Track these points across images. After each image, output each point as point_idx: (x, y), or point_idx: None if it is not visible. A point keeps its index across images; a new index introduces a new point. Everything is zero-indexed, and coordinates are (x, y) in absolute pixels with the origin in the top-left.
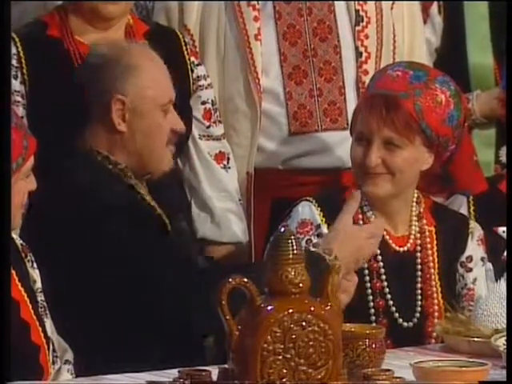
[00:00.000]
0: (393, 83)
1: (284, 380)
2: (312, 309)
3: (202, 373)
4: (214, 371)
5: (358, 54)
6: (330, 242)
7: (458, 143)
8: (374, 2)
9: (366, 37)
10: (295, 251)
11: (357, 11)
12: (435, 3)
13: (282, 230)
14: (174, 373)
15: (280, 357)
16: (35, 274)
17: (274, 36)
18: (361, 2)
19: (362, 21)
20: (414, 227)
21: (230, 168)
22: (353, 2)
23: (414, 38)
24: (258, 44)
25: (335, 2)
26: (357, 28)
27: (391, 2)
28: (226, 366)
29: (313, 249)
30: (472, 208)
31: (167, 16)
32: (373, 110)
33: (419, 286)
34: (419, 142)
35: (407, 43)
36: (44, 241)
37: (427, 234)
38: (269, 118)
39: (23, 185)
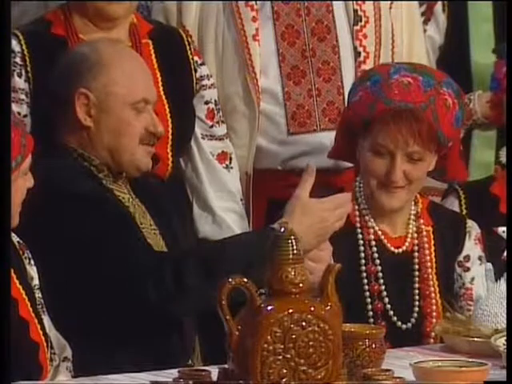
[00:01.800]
0: (409, 93)
1: (284, 380)
2: (312, 309)
3: (201, 373)
4: (214, 371)
5: (357, 54)
6: (287, 216)
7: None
8: (372, 2)
9: (365, 36)
10: (295, 251)
11: (355, 11)
12: (439, 1)
13: (282, 229)
14: (173, 373)
15: (280, 357)
16: (32, 271)
17: (273, 36)
18: (359, 2)
19: (361, 20)
20: (411, 227)
21: (232, 168)
22: (351, 2)
23: (413, 38)
24: (256, 44)
25: (333, 2)
26: (355, 28)
27: (390, 2)
28: (226, 366)
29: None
30: (464, 212)
31: (165, 16)
32: (402, 125)
33: (417, 286)
34: (434, 150)
35: (406, 43)
36: (33, 238)
37: (424, 233)
38: (267, 118)
39: (22, 183)
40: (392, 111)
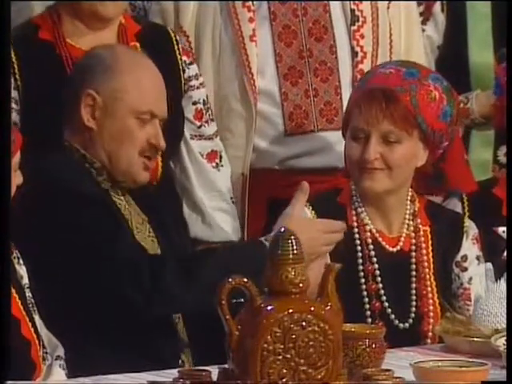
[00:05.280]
0: (387, 79)
1: (284, 380)
2: (312, 309)
3: (201, 373)
4: (214, 371)
5: (354, 54)
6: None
7: (450, 141)
8: (369, 2)
9: (362, 36)
10: (295, 251)
11: (352, 11)
12: (438, 1)
13: (282, 229)
14: (173, 373)
15: (280, 357)
16: (22, 270)
17: (270, 37)
18: (356, 2)
19: (358, 20)
20: (408, 226)
21: (222, 166)
22: (348, 2)
23: (412, 38)
24: (253, 45)
25: (330, 2)
26: (352, 28)
27: (387, 2)
28: (226, 365)
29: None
30: (467, 214)
31: (163, 17)
32: (372, 104)
33: (414, 286)
34: (416, 137)
35: (404, 43)
36: (26, 239)
37: (422, 233)
38: (264, 118)
39: (12, 179)
40: (363, 93)
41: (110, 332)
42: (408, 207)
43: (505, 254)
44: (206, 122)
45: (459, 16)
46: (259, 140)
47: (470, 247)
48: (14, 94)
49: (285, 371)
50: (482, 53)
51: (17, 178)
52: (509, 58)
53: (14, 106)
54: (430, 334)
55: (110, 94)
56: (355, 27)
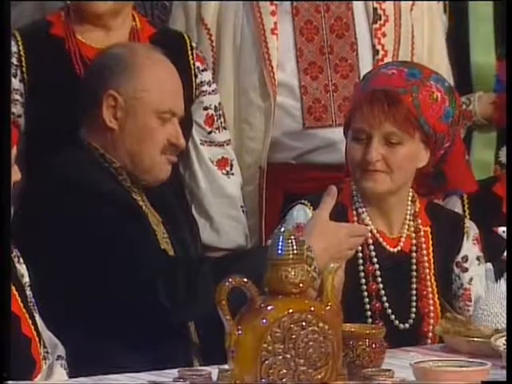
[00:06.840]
0: (390, 80)
1: (284, 380)
2: (312, 309)
3: (201, 373)
4: (214, 371)
5: (375, 52)
6: (306, 235)
7: (452, 141)
8: (392, 2)
9: (384, 35)
10: (295, 251)
11: (375, 9)
12: (441, 2)
13: (282, 229)
14: (173, 373)
15: (280, 357)
16: (22, 268)
17: (291, 31)
18: (379, 1)
19: (380, 19)
20: (409, 227)
21: (233, 174)
22: (371, 1)
23: (434, 40)
24: (274, 38)
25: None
26: (374, 26)
27: (411, 3)
28: (226, 366)
29: None
30: (467, 212)
31: (185, 10)
32: (374, 106)
33: (414, 286)
34: (418, 138)
35: (427, 46)
36: (37, 238)
37: (422, 233)
38: (283, 111)
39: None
40: (366, 94)
41: (127, 332)
42: (409, 208)
43: (505, 254)
44: (217, 128)
45: (462, 17)
46: (277, 132)
47: (470, 248)
48: (20, 86)
49: (285, 371)
50: (483, 53)
51: (14, 174)
52: (508, 58)
53: (18, 97)
54: (430, 334)
55: (132, 93)
56: (377, 25)
